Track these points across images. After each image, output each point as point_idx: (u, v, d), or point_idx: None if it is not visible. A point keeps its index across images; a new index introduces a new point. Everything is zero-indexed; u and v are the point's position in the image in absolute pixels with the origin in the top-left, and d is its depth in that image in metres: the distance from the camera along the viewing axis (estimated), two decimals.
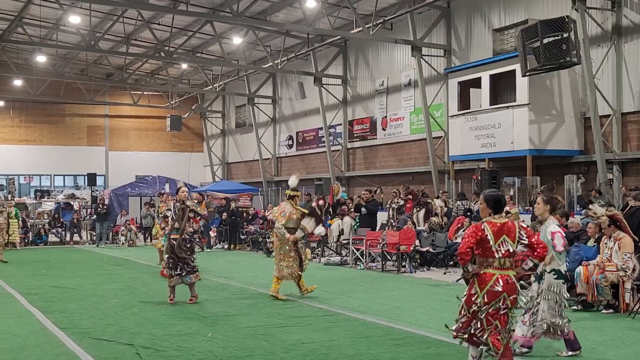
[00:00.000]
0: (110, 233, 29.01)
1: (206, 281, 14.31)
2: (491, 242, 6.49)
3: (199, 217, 12.53)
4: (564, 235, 8.19)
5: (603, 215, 11.46)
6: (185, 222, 11.95)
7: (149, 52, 34.50)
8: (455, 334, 6.71)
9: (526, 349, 8.17)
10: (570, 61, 18.08)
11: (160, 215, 14.03)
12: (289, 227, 12.59)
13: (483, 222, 6.63)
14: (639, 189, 15.33)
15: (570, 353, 8.10)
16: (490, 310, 6.48)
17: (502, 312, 6.51)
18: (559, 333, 8.06)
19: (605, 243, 11.34)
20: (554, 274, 8.12)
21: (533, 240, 6.71)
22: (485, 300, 6.49)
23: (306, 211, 12.96)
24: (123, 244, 27.70)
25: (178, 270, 11.89)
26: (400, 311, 11.28)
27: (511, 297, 6.53)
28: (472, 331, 6.57)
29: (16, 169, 40.92)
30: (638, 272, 11.07)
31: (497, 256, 6.51)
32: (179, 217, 11.97)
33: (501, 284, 6.49)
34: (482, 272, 6.54)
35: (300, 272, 12.63)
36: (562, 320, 8.06)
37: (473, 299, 6.55)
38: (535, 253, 6.75)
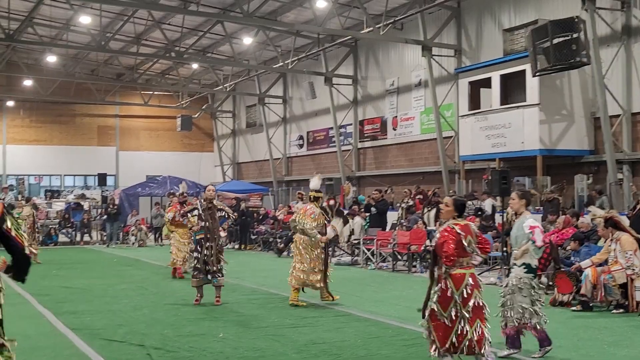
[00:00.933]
0: (121, 233, 29.08)
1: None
2: (465, 243, 6.85)
3: (227, 217, 12.42)
4: (542, 230, 8.24)
5: (601, 217, 11.57)
6: (215, 222, 11.82)
7: (160, 52, 34.61)
8: (435, 353, 6.89)
9: (514, 350, 8.07)
10: (580, 61, 18.07)
11: (181, 215, 13.65)
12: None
13: (451, 224, 6.96)
14: None
15: (539, 354, 8.03)
16: (472, 308, 6.76)
17: (479, 308, 6.84)
18: (533, 328, 8.01)
19: (610, 245, 11.36)
20: (524, 268, 8.06)
21: (481, 238, 7.17)
22: (465, 296, 6.77)
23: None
24: (133, 244, 27.81)
25: (204, 270, 11.74)
26: (412, 311, 11.21)
27: (481, 293, 6.92)
28: (455, 339, 6.75)
29: (26, 169, 41.17)
30: None
31: (468, 256, 6.95)
32: (207, 217, 11.80)
33: (472, 281, 6.85)
34: (454, 272, 6.81)
35: (326, 280, 12.05)
36: (536, 315, 8.00)
37: (450, 302, 6.78)
38: (484, 251, 7.26)
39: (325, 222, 12.15)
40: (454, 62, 25.16)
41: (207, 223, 11.78)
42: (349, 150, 31.54)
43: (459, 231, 6.85)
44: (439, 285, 6.85)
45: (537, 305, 8.04)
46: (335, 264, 19.26)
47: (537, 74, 18.89)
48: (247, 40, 31.21)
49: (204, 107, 44.11)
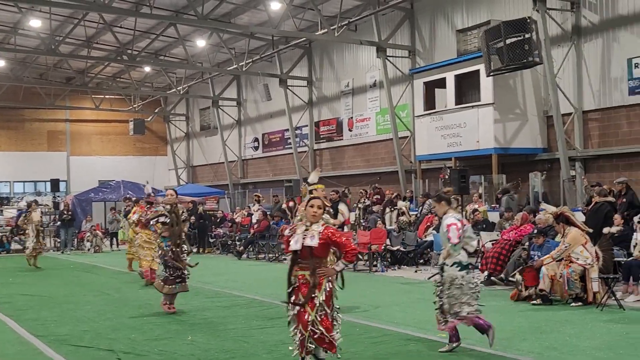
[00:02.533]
0: (75, 239, 28.67)
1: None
2: None
3: (185, 222, 12.24)
4: (460, 227, 8.09)
5: (552, 214, 11.93)
6: (181, 227, 11.57)
7: (111, 55, 34.23)
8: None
9: (455, 344, 8.16)
10: (532, 61, 18.42)
11: (145, 222, 13.29)
12: None
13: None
14: (600, 185, 15.77)
15: (487, 337, 8.09)
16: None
17: None
18: (464, 318, 8.09)
19: (562, 240, 11.70)
20: (456, 266, 8.10)
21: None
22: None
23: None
24: (89, 250, 27.41)
25: (174, 277, 11.35)
26: (376, 309, 11.41)
27: None
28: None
29: None
30: (602, 262, 11.43)
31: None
32: (174, 222, 11.49)
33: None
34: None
35: None
36: (468, 307, 8.05)
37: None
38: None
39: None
40: (408, 63, 25.41)
41: (174, 228, 11.49)
42: (305, 151, 31.61)
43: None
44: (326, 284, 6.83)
45: (471, 298, 8.07)
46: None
47: (491, 73, 19.20)
48: (201, 42, 31.03)
49: (156, 111, 43.70)
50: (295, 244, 6.66)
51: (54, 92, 39.79)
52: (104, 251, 27.37)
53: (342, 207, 12.10)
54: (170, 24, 28.22)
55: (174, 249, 11.33)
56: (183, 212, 12.06)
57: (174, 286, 11.32)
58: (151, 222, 12.06)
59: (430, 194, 21.28)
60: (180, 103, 43.62)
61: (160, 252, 11.74)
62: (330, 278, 6.75)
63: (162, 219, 11.54)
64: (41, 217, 21.65)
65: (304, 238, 6.64)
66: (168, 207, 11.62)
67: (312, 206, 6.76)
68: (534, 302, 11.50)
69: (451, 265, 8.10)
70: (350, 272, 17.40)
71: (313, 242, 6.59)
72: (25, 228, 20.90)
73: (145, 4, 26.40)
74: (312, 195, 7.46)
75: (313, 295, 6.64)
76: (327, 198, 13.08)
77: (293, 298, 6.74)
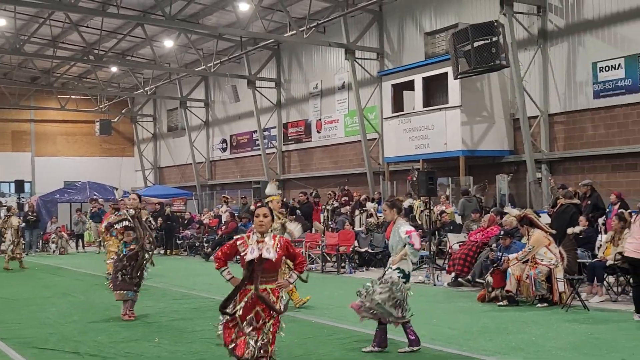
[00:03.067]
0: (40, 241, 28.29)
1: (146, 287, 14.12)
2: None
3: (153, 227, 11.90)
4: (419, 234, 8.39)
5: (515, 217, 12.08)
6: (145, 232, 11.12)
7: (77, 55, 33.91)
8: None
9: (378, 348, 8.19)
10: (499, 64, 18.60)
11: (105, 227, 12.94)
12: None
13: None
14: (566, 187, 15.97)
15: (408, 349, 8.11)
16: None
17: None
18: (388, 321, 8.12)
19: (526, 242, 11.84)
20: (398, 272, 8.15)
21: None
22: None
23: (282, 219, 12.79)
24: (54, 251, 27.05)
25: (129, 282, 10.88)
26: (344, 311, 11.37)
27: None
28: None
29: None
30: (566, 262, 11.57)
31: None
32: (137, 227, 11.06)
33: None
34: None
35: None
36: (397, 311, 8.05)
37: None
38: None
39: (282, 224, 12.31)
40: (376, 65, 25.52)
41: (136, 233, 11.06)
42: (273, 153, 31.56)
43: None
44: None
45: (399, 305, 8.03)
46: None
47: (459, 76, 19.35)
48: (169, 43, 30.85)
49: (123, 111, 43.35)
50: (251, 254, 6.26)
51: (19, 92, 39.34)
52: (69, 253, 27.00)
53: (291, 226, 11.92)
54: (137, 24, 27.99)
55: (134, 254, 10.90)
56: (148, 218, 11.79)
57: (126, 292, 10.88)
58: (114, 227, 11.38)
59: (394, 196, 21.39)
60: (147, 104, 43.32)
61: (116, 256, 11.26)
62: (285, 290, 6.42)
63: (124, 224, 11.07)
64: (19, 221, 21.52)
65: (260, 249, 6.25)
66: (132, 211, 11.22)
67: (257, 216, 6.39)
68: (501, 303, 11.61)
69: (394, 269, 8.16)
70: (319, 274, 17.41)
71: (270, 255, 6.23)
72: (4, 232, 20.93)
73: (112, 3, 26.17)
74: (257, 205, 7.18)
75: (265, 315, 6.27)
76: (281, 208, 13.02)
77: (240, 314, 6.29)
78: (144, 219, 11.35)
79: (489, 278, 12.02)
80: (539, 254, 11.49)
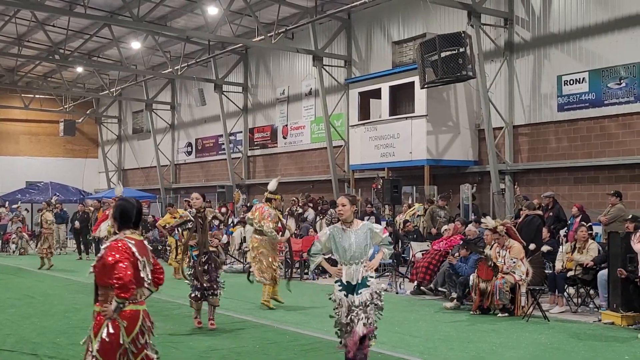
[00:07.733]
0: (0, 241, 27.83)
1: None
2: (140, 267, 5.24)
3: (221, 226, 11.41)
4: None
5: (491, 229, 12.16)
6: (206, 234, 10.46)
7: (42, 54, 33.46)
8: None
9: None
10: (466, 75, 18.70)
11: (169, 230, 12.33)
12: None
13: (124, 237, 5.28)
14: (528, 199, 16.17)
15: None
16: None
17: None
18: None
19: (498, 252, 11.88)
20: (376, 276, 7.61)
21: (155, 263, 5.52)
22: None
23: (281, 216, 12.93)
24: (14, 252, 26.64)
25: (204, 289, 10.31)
26: (307, 317, 11.42)
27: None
28: None
29: None
30: (531, 276, 11.69)
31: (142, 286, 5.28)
32: (199, 230, 10.40)
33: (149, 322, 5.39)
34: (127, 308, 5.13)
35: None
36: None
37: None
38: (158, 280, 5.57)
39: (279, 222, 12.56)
40: (344, 73, 25.61)
41: (199, 236, 10.41)
42: (238, 157, 31.48)
43: (134, 249, 5.20)
44: (104, 329, 5.11)
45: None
46: (227, 272, 19.21)
47: (425, 86, 19.46)
48: (136, 44, 30.61)
49: (88, 112, 42.86)
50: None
51: None
52: (30, 254, 26.60)
53: (290, 222, 11.78)
54: (104, 24, 27.67)
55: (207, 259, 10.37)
56: (216, 216, 11.06)
57: (201, 301, 10.38)
58: (175, 229, 10.90)
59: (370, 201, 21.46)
60: (112, 105, 42.92)
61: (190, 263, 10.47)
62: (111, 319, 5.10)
63: (188, 225, 10.51)
64: None
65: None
66: (193, 211, 10.57)
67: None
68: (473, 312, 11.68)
69: (375, 277, 7.46)
70: (282, 280, 17.35)
71: (89, 268, 5.26)
72: None
73: (79, 3, 25.84)
74: (220, 208, 6.80)
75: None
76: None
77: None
78: (209, 218, 10.65)
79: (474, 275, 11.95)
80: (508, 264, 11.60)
